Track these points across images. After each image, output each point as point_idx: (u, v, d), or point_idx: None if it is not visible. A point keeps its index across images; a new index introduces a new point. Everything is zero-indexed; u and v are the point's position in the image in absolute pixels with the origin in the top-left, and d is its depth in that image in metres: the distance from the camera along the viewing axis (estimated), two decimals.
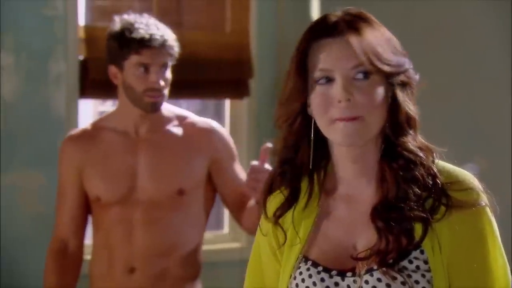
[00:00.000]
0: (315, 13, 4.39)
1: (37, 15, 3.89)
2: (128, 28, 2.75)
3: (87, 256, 2.96)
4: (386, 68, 1.60)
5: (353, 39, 1.60)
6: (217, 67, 4.28)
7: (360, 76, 1.60)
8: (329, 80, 1.61)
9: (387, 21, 1.73)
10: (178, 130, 2.87)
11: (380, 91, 1.61)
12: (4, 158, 3.84)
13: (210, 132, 2.89)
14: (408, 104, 1.63)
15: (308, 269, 1.65)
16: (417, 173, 1.60)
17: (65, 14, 3.93)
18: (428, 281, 1.58)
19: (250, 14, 4.39)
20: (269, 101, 4.51)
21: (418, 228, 1.58)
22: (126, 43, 2.74)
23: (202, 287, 2.95)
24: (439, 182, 1.60)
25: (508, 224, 3.53)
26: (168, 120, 2.88)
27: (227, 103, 4.54)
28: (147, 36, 2.72)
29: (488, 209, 1.62)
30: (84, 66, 3.98)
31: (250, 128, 4.46)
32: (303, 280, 1.65)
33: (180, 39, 4.20)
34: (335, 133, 1.61)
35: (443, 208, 1.59)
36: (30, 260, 3.88)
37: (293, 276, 1.67)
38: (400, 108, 1.62)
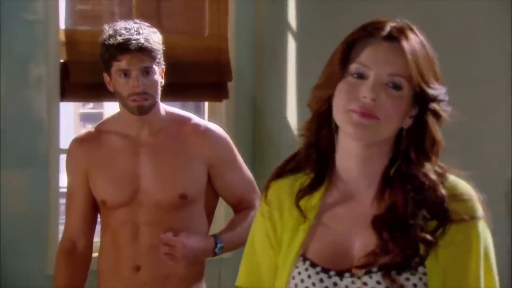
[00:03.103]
0: (292, 17, 4.41)
1: (18, 19, 3.91)
2: (110, 36, 2.76)
3: (96, 253, 3.00)
4: (426, 90, 1.62)
5: (406, 48, 1.61)
6: (196, 70, 4.32)
7: (393, 85, 1.61)
8: (363, 76, 1.62)
9: None
10: (179, 134, 2.87)
11: (405, 105, 1.62)
12: None
13: (207, 137, 2.88)
14: (437, 130, 1.64)
15: (306, 269, 1.66)
16: (428, 197, 1.62)
17: (46, 18, 3.95)
18: (425, 284, 1.60)
19: (228, 18, 4.43)
20: (247, 103, 4.54)
21: (422, 248, 1.60)
22: (107, 50, 2.76)
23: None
24: (445, 206, 1.61)
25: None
26: (169, 123, 2.88)
27: (206, 105, 4.57)
28: (122, 42, 2.72)
29: (480, 223, 1.64)
30: (65, 69, 4.01)
31: (228, 131, 4.43)
32: (302, 281, 1.65)
33: None
34: (348, 123, 1.62)
35: (442, 227, 1.61)
36: (10, 259, 3.90)
37: (291, 275, 1.67)
38: (427, 132, 1.64)
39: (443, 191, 1.63)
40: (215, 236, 2.83)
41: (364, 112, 1.59)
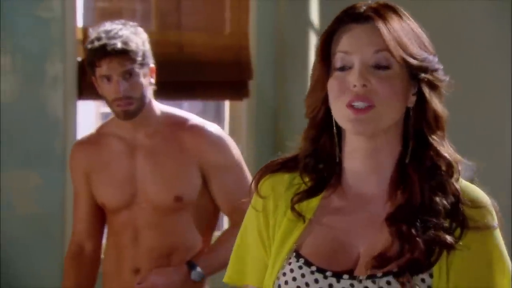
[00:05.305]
0: (314, 15, 4.39)
1: (33, 16, 3.91)
2: (92, 40, 2.71)
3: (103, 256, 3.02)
4: (410, 60, 1.53)
5: (380, 25, 1.54)
6: (217, 68, 4.29)
7: (380, 65, 1.54)
8: (348, 68, 1.55)
9: None
10: (174, 135, 2.82)
11: (399, 83, 1.54)
12: (2, 158, 3.86)
13: (201, 137, 2.81)
14: (436, 103, 1.56)
15: (300, 267, 1.55)
16: (445, 182, 1.53)
17: (62, 16, 3.95)
18: None
19: (249, 16, 4.40)
20: (268, 102, 4.52)
21: (435, 250, 1.51)
22: (89, 56, 2.73)
23: None
24: (460, 203, 1.53)
25: (508, 226, 3.57)
26: (165, 124, 2.82)
27: (227, 104, 4.54)
28: (99, 47, 2.67)
29: (498, 232, 1.55)
30: (82, 68, 3.96)
31: (249, 129, 4.47)
32: (294, 279, 1.55)
33: (179, 41, 4.22)
34: (346, 120, 1.54)
35: (458, 230, 1.52)
36: (25, 260, 3.91)
37: (281, 271, 1.57)
38: (427, 106, 1.55)
39: (457, 185, 1.54)
40: (188, 263, 2.77)
41: (359, 109, 1.51)
